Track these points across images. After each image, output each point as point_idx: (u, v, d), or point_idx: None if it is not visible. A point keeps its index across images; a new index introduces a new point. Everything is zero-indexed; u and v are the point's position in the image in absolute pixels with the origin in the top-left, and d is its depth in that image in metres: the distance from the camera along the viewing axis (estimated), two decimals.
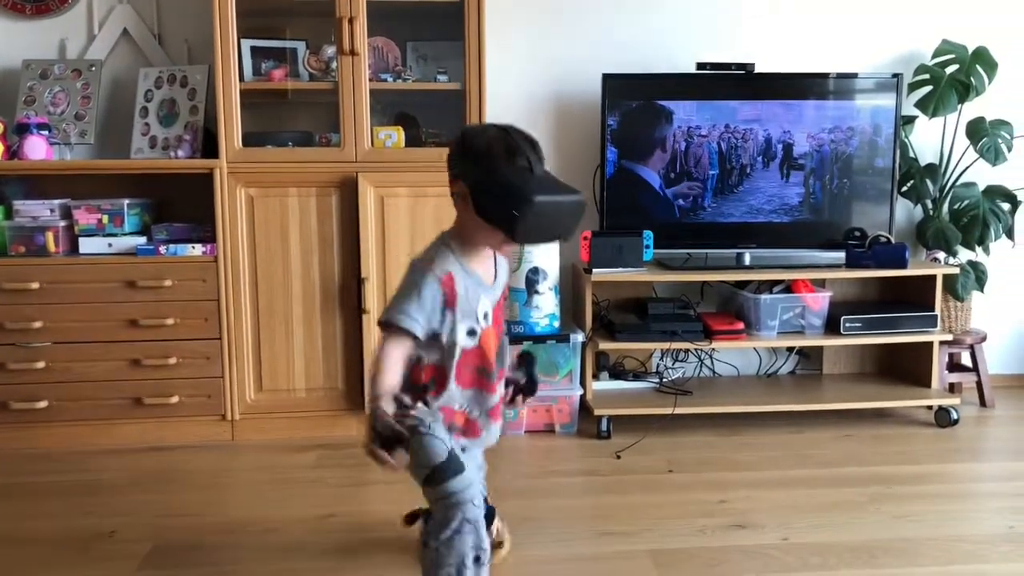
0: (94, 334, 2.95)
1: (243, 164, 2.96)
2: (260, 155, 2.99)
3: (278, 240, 3.00)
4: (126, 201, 3.00)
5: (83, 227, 2.97)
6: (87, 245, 2.97)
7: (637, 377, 3.41)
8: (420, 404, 1.71)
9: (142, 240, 3.00)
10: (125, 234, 3.00)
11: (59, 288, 2.92)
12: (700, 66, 3.25)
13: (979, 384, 3.49)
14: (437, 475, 1.71)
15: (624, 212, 3.26)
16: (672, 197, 3.27)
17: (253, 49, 3.13)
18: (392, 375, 1.63)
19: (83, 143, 3.17)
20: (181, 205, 3.18)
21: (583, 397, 3.15)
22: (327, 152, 3.02)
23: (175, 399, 3.00)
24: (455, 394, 1.76)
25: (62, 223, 2.97)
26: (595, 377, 3.27)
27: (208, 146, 3.11)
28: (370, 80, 2.99)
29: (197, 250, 2.97)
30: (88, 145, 3.20)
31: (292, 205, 2.99)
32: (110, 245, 2.98)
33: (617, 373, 3.40)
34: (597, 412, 3.06)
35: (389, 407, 1.57)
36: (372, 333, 3.02)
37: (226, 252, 2.97)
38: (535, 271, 3.12)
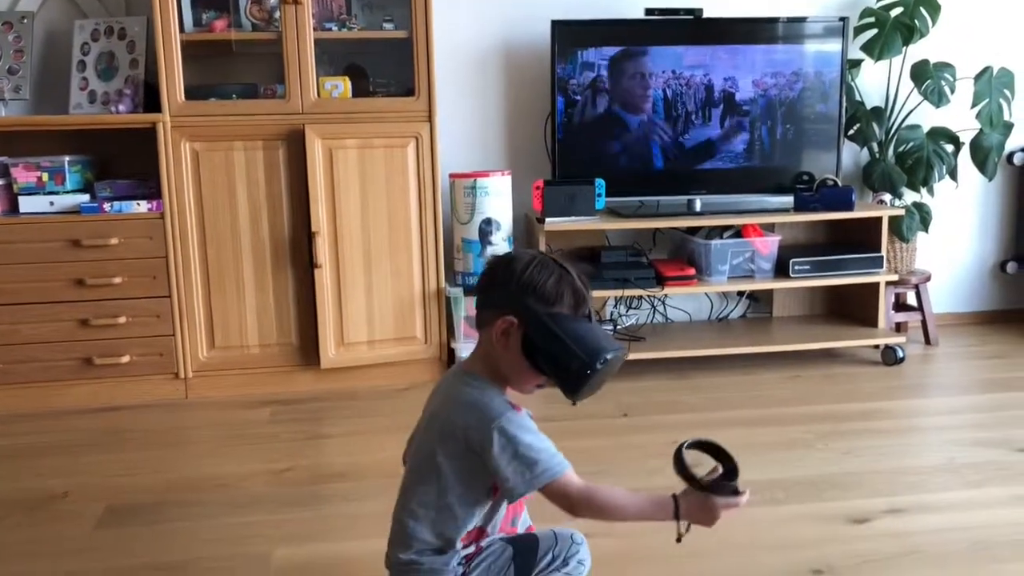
0: (40, 295, 2.89)
1: (186, 118, 2.90)
2: (204, 108, 2.93)
3: (225, 195, 2.95)
4: (67, 158, 2.92)
5: (22, 185, 2.90)
6: (28, 204, 2.90)
7: None
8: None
9: (85, 198, 2.94)
10: (67, 192, 2.93)
11: (1, 249, 2.85)
12: (649, 12, 3.23)
13: (924, 323, 3.57)
14: None
15: (576, 161, 3.26)
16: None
17: None
18: (623, 497, 1.45)
19: (18, 99, 3.08)
20: (124, 161, 3.11)
21: None
22: (272, 104, 2.97)
23: (126, 359, 2.96)
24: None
25: (0, 181, 2.89)
26: None
27: (150, 100, 3.03)
28: (314, 29, 2.94)
29: (142, 207, 2.91)
30: (23, 101, 3.10)
31: (238, 159, 2.94)
32: (52, 204, 2.91)
33: None
34: None
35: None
36: (325, 288, 2.99)
37: (172, 208, 2.92)
38: (488, 222, 3.11)
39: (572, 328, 1.44)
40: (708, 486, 1.43)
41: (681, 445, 1.45)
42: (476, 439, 1.43)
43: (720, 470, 1.47)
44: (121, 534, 2.07)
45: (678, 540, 1.44)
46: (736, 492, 1.43)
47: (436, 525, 1.48)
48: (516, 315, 1.45)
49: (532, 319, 1.44)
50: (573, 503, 1.42)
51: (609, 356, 1.43)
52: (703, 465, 1.48)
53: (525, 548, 1.53)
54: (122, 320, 2.93)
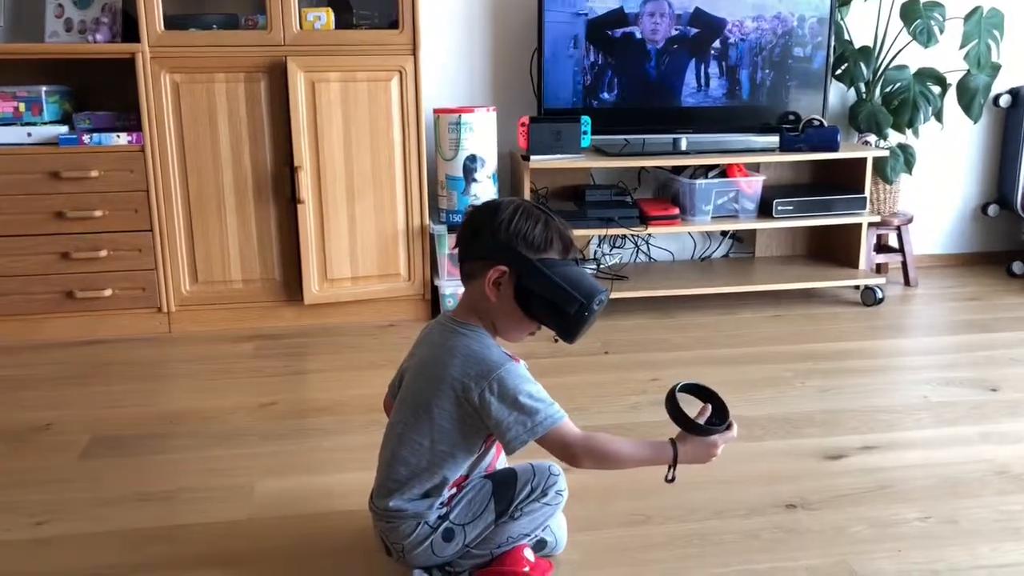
0: (20, 227, 2.86)
1: (166, 48, 2.84)
2: (183, 39, 2.87)
3: (206, 128, 2.91)
4: (43, 88, 2.87)
5: None
6: (4, 135, 2.85)
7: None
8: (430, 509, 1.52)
9: (63, 129, 2.89)
10: (45, 123, 2.88)
11: None
12: None
13: (904, 264, 3.60)
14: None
15: (562, 98, 3.22)
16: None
17: None
18: (621, 444, 1.47)
19: None
20: (103, 92, 3.06)
21: None
22: (254, 35, 2.91)
23: (108, 292, 2.95)
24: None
25: None
26: None
27: (128, 29, 2.97)
28: None
29: (122, 139, 2.87)
30: None
31: (219, 91, 2.89)
32: (29, 135, 2.86)
33: None
34: None
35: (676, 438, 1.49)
36: (308, 224, 2.98)
37: (153, 141, 2.88)
38: (472, 159, 3.09)
39: (565, 272, 1.46)
40: (703, 428, 1.47)
41: (673, 389, 1.48)
42: (475, 390, 1.43)
43: (710, 409, 1.51)
44: (106, 465, 2.09)
45: (670, 480, 1.48)
46: (727, 428, 1.49)
47: (427, 473, 1.49)
48: (507, 264, 1.45)
49: (524, 267, 1.45)
50: (573, 451, 1.44)
51: (603, 296, 1.46)
52: (691, 404, 1.51)
53: (504, 482, 1.55)
54: (103, 254, 2.92)
